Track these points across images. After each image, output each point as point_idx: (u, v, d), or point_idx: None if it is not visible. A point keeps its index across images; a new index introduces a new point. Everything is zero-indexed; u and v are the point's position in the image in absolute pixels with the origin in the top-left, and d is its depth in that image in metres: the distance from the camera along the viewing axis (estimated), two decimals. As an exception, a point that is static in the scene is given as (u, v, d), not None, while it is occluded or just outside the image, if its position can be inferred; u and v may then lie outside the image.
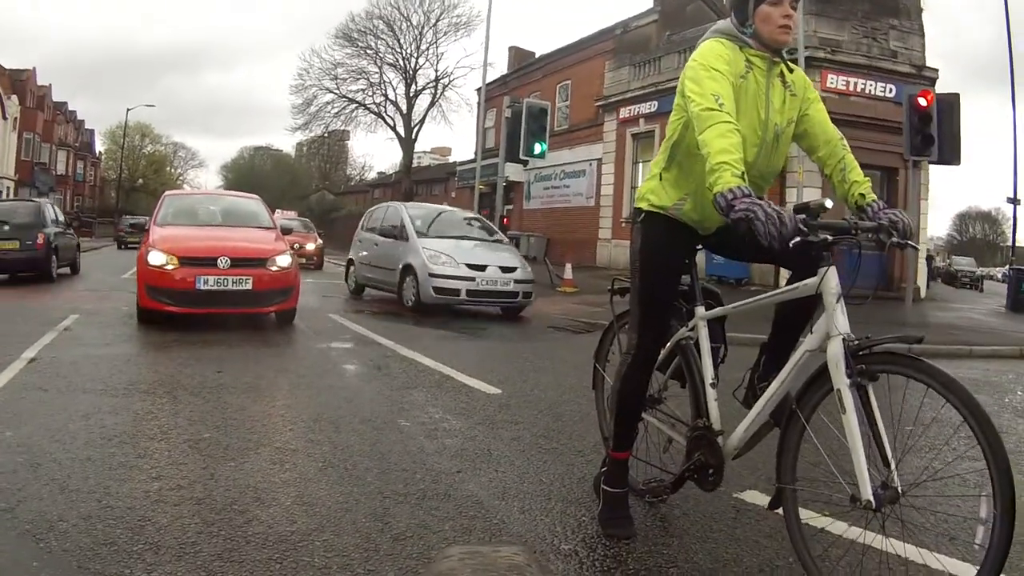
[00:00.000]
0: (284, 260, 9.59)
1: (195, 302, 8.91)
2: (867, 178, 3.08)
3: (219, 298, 9.00)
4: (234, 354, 7.43)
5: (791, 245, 2.55)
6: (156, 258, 8.91)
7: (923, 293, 20.88)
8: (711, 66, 2.89)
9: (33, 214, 15.68)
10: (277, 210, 24.63)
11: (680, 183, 3.17)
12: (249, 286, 9.07)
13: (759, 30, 3.01)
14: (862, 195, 3.01)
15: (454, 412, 5.56)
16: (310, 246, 24.26)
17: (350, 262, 15.58)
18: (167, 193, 12.24)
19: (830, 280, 2.73)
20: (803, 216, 2.63)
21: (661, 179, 3.23)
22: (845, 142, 3.17)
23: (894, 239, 2.78)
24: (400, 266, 12.59)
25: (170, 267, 8.85)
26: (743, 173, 2.62)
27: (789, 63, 3.16)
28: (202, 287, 8.85)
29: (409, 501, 3.64)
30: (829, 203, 2.72)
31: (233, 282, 8.99)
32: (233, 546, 3.03)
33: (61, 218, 17.92)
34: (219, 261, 8.98)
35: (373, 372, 7.09)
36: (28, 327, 8.64)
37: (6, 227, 14.83)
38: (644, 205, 3.28)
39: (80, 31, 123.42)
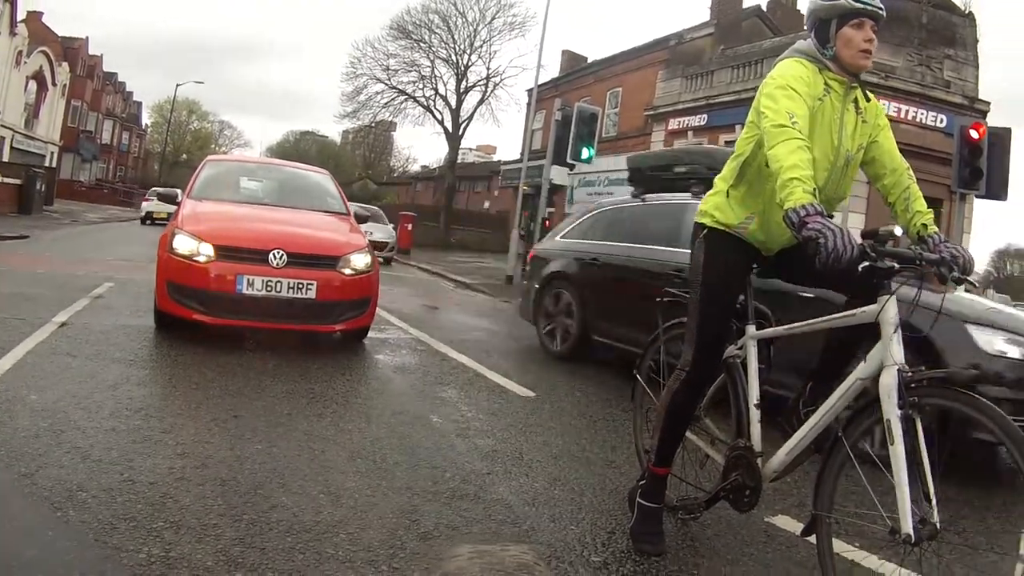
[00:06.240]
0: (361, 260, 7.08)
1: (234, 310, 6.50)
2: (930, 210, 3.06)
3: (268, 308, 6.53)
4: (268, 335, 7.23)
5: (859, 270, 2.53)
6: (184, 244, 6.54)
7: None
8: (789, 85, 2.85)
9: None
10: None
11: (748, 202, 3.15)
12: (312, 294, 6.61)
13: (840, 53, 2.99)
14: (924, 226, 3.00)
15: (487, 412, 5.47)
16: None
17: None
18: (209, 158, 9.65)
19: (890, 309, 2.69)
20: (871, 242, 2.61)
21: (728, 196, 3.20)
22: (911, 172, 3.14)
23: (955, 274, 2.76)
24: None
25: (202, 259, 6.46)
26: (815, 190, 2.57)
27: (868, 92, 3.13)
28: (245, 291, 6.41)
29: (438, 499, 3.57)
30: (899, 231, 2.72)
31: (290, 287, 6.52)
32: (256, 531, 2.96)
33: None
34: (271, 256, 6.53)
35: (406, 364, 6.99)
36: (60, 292, 8.60)
37: None
38: (708, 221, 3.26)
39: (135, 9, 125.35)
